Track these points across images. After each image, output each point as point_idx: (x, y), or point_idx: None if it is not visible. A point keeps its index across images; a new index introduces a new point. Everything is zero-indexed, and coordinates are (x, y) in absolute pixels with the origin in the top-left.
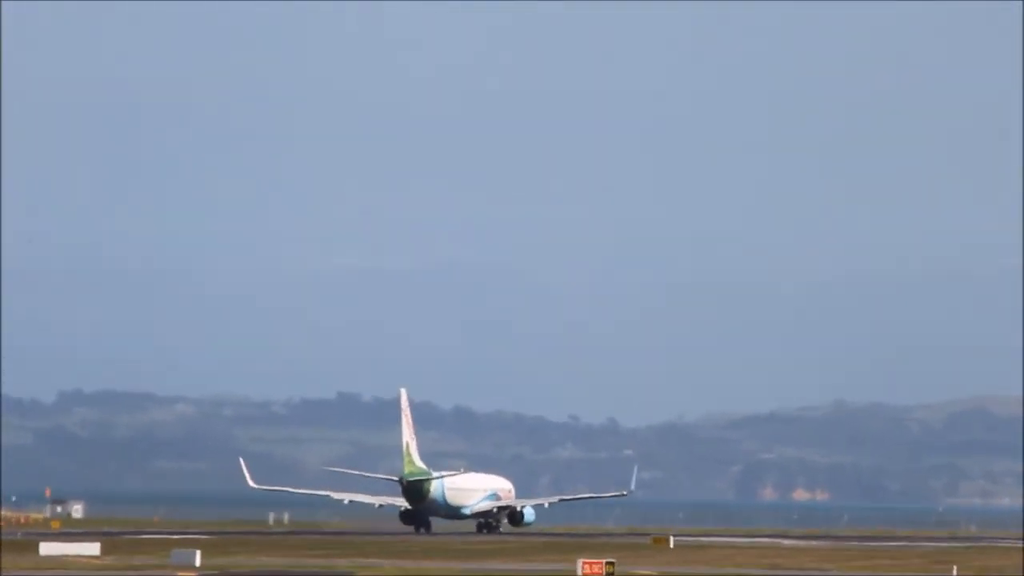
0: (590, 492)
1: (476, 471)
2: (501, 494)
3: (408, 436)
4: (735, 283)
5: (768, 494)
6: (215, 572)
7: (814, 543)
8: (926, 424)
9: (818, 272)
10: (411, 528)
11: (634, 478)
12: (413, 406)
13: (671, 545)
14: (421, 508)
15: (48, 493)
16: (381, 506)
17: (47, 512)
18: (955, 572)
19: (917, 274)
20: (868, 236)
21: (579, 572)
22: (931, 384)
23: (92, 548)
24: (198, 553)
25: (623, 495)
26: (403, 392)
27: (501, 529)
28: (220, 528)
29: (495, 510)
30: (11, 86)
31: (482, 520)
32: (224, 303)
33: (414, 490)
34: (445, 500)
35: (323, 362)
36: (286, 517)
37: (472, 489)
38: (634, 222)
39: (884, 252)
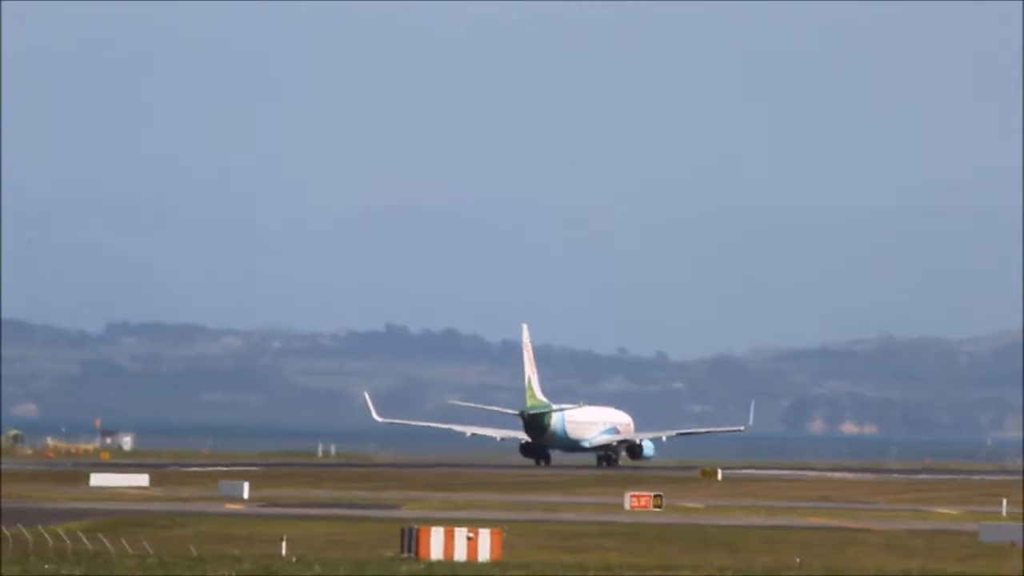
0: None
1: (595, 405)
2: (620, 428)
3: (530, 371)
4: (784, 218)
5: (817, 427)
6: (263, 504)
7: (862, 476)
8: (974, 357)
9: (867, 207)
10: (531, 461)
11: (751, 413)
12: (462, 339)
13: (719, 478)
14: (541, 441)
15: (98, 424)
16: (503, 439)
17: (97, 443)
18: (1004, 505)
19: (966, 207)
20: (919, 170)
21: (627, 504)
22: (979, 318)
23: (141, 479)
24: (246, 485)
25: (740, 430)
26: (525, 328)
27: (620, 463)
28: (268, 460)
29: (614, 444)
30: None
31: (601, 453)
32: (272, 237)
33: (534, 423)
34: (565, 433)
35: (371, 295)
36: (333, 449)
37: (591, 422)
38: (683, 159)
39: (933, 185)
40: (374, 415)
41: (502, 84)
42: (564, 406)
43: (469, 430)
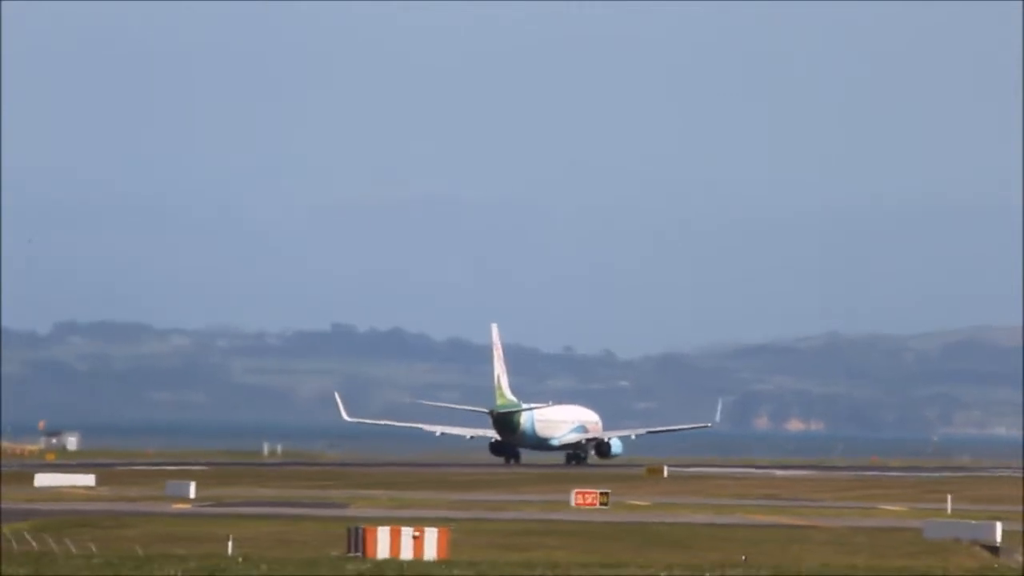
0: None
1: (564, 404)
2: (589, 426)
3: (499, 370)
4: (732, 216)
5: (763, 424)
6: (210, 503)
7: (808, 473)
8: (921, 354)
9: (814, 204)
10: (501, 459)
11: (719, 410)
12: (408, 338)
13: (665, 475)
14: (511, 440)
15: (41, 426)
16: (472, 437)
17: (41, 444)
18: (949, 502)
19: (914, 206)
20: (866, 169)
21: (573, 502)
22: (926, 315)
23: (87, 479)
24: (192, 484)
25: (707, 426)
26: (494, 327)
27: (589, 461)
28: (215, 459)
29: (583, 442)
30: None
31: (570, 451)
32: (219, 236)
33: (504, 422)
34: (534, 432)
35: (318, 294)
36: (279, 448)
37: (560, 421)
38: (632, 159)
39: (882, 185)
40: (343, 415)
41: (449, 85)
42: (533, 405)
43: (439, 429)
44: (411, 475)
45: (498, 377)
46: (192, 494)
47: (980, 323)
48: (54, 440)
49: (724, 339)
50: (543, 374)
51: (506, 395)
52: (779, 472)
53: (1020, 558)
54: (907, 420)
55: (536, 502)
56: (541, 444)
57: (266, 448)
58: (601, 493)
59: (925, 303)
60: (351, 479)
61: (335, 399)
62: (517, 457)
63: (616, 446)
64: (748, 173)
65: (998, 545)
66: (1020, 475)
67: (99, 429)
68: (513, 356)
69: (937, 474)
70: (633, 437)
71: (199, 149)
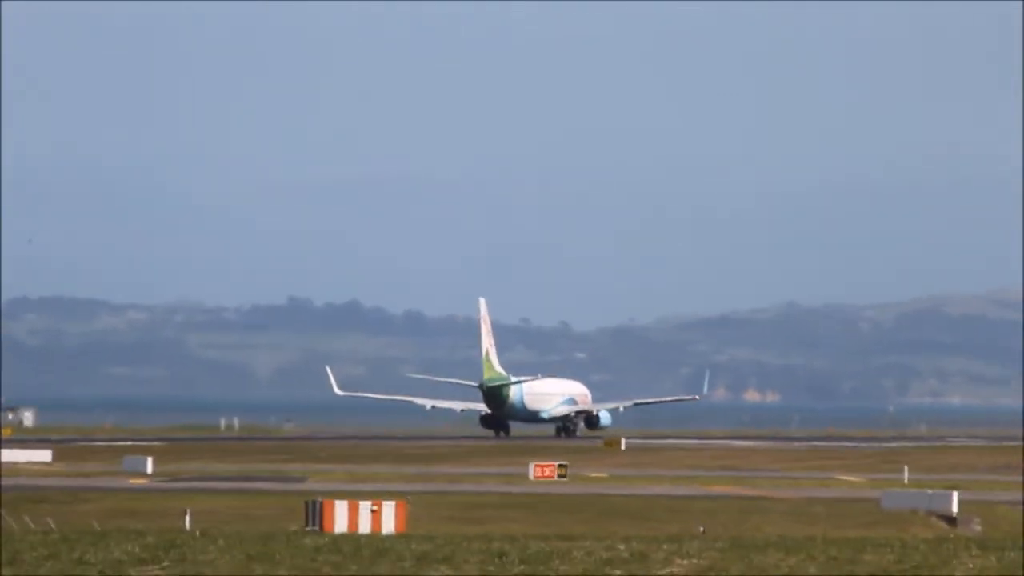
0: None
1: (554, 377)
2: (578, 399)
3: (488, 344)
4: (688, 188)
5: (720, 395)
6: (167, 478)
7: (765, 444)
8: (877, 324)
9: (769, 177)
10: (491, 432)
11: (706, 382)
12: (365, 311)
13: (623, 447)
14: (500, 413)
15: None
16: (463, 411)
17: None
18: (906, 472)
19: (867, 180)
20: (818, 147)
21: (531, 475)
22: (881, 286)
23: (44, 455)
24: (150, 460)
25: (695, 399)
26: (482, 302)
27: (578, 433)
28: (172, 434)
29: (572, 414)
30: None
31: (560, 424)
32: (175, 211)
33: (494, 395)
34: (524, 405)
35: (274, 268)
36: (236, 423)
37: (549, 394)
38: (585, 132)
39: (834, 161)
40: (335, 389)
41: (401, 63)
42: (523, 378)
43: (430, 403)
44: (369, 448)
45: (487, 351)
46: (149, 469)
47: (934, 293)
48: (10, 416)
49: (680, 311)
50: (500, 346)
51: (495, 368)
52: (736, 443)
53: (977, 528)
54: (863, 390)
55: (494, 475)
56: (531, 417)
57: (223, 423)
58: (559, 465)
59: (880, 274)
60: (309, 453)
61: (327, 373)
62: (507, 430)
63: (605, 418)
64: (705, 150)
65: (955, 515)
66: (976, 444)
67: (55, 405)
68: (471, 328)
69: (894, 444)
70: (621, 410)
71: (156, 125)
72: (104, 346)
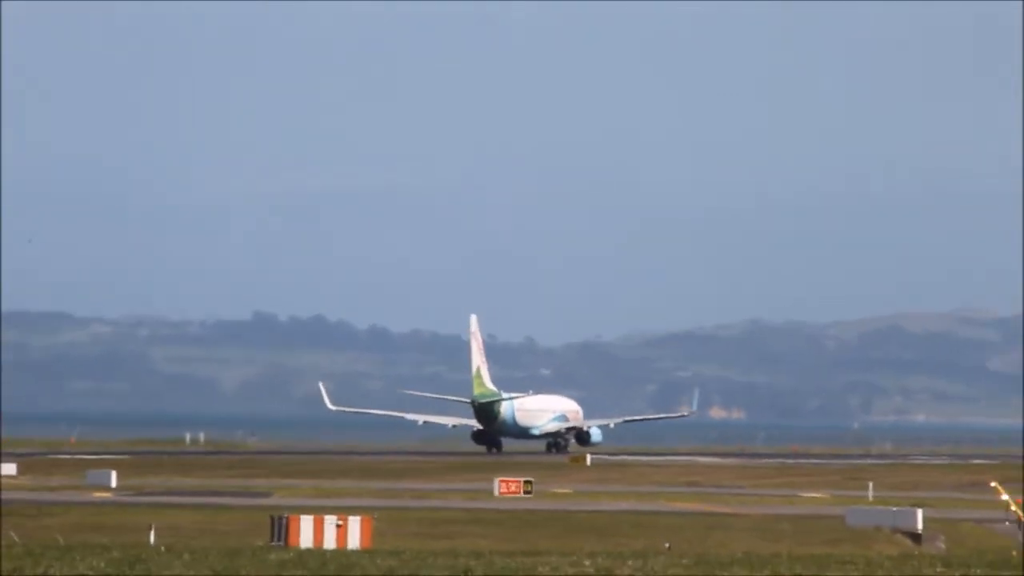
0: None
1: (545, 393)
2: (569, 415)
3: (479, 360)
4: (654, 206)
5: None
6: (131, 492)
7: (731, 461)
8: (841, 342)
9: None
10: (482, 448)
11: (695, 399)
12: (330, 326)
13: (588, 463)
14: (492, 429)
15: None
16: (455, 427)
17: None
18: (871, 489)
19: (832, 196)
20: (784, 162)
21: (496, 491)
22: (846, 302)
23: (8, 468)
24: (114, 473)
25: (685, 415)
26: (473, 319)
27: (569, 449)
28: (136, 448)
29: (563, 431)
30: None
31: (551, 440)
32: (141, 225)
33: (485, 411)
34: (515, 421)
35: (240, 283)
36: (202, 437)
37: (540, 410)
38: (556, 150)
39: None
40: (327, 403)
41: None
42: (514, 395)
43: (421, 418)
44: (335, 464)
45: (477, 367)
46: (114, 483)
47: (898, 311)
48: None
49: (646, 328)
50: (465, 362)
51: (486, 385)
52: (702, 460)
53: (942, 545)
54: (828, 408)
55: (460, 491)
56: (522, 433)
57: (188, 437)
58: (524, 481)
59: (843, 291)
60: (275, 468)
61: (319, 388)
62: (499, 446)
63: (596, 434)
64: (668, 165)
65: (919, 532)
66: (940, 462)
67: (19, 419)
68: (437, 344)
69: (858, 461)
70: (612, 426)
71: (121, 137)
72: (68, 360)
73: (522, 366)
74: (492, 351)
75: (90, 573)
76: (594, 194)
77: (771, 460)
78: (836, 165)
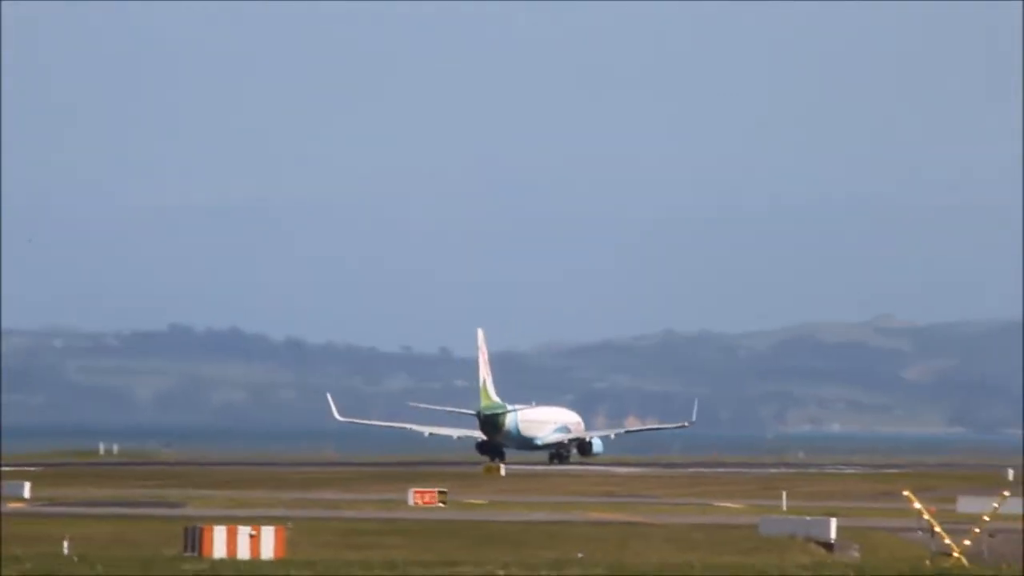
0: (656, 423)
1: (547, 405)
2: (571, 426)
3: (484, 372)
4: (568, 216)
5: (600, 423)
6: (45, 503)
7: (646, 470)
8: (755, 352)
9: (647, 206)
10: (486, 458)
11: (695, 410)
12: (246, 338)
13: (503, 473)
14: (496, 440)
15: None
16: (459, 438)
17: None
18: (784, 498)
19: (744, 206)
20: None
21: (411, 501)
22: (760, 312)
23: None
24: (27, 484)
25: (685, 426)
26: (480, 332)
27: (571, 459)
28: (50, 459)
29: (566, 441)
30: None
31: (553, 451)
32: (53, 237)
33: (490, 422)
34: (519, 432)
35: (155, 294)
36: (116, 448)
37: (543, 421)
38: (471, 157)
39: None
40: (335, 415)
41: (286, 86)
42: (518, 406)
43: (427, 430)
44: (247, 474)
45: (484, 380)
46: (27, 494)
47: (811, 320)
48: None
49: (561, 338)
50: (380, 374)
51: (491, 396)
52: (618, 469)
53: (855, 554)
54: (742, 418)
55: (374, 501)
56: (526, 444)
57: (102, 447)
58: (439, 491)
59: (756, 302)
60: (189, 479)
61: (327, 399)
62: (503, 456)
63: (597, 445)
64: (586, 173)
65: (832, 541)
66: (855, 471)
67: None
68: (351, 355)
69: (773, 471)
70: (612, 437)
71: (34, 148)
72: None
73: (437, 377)
74: (407, 362)
75: None
76: (506, 204)
77: (687, 469)
78: (751, 179)
